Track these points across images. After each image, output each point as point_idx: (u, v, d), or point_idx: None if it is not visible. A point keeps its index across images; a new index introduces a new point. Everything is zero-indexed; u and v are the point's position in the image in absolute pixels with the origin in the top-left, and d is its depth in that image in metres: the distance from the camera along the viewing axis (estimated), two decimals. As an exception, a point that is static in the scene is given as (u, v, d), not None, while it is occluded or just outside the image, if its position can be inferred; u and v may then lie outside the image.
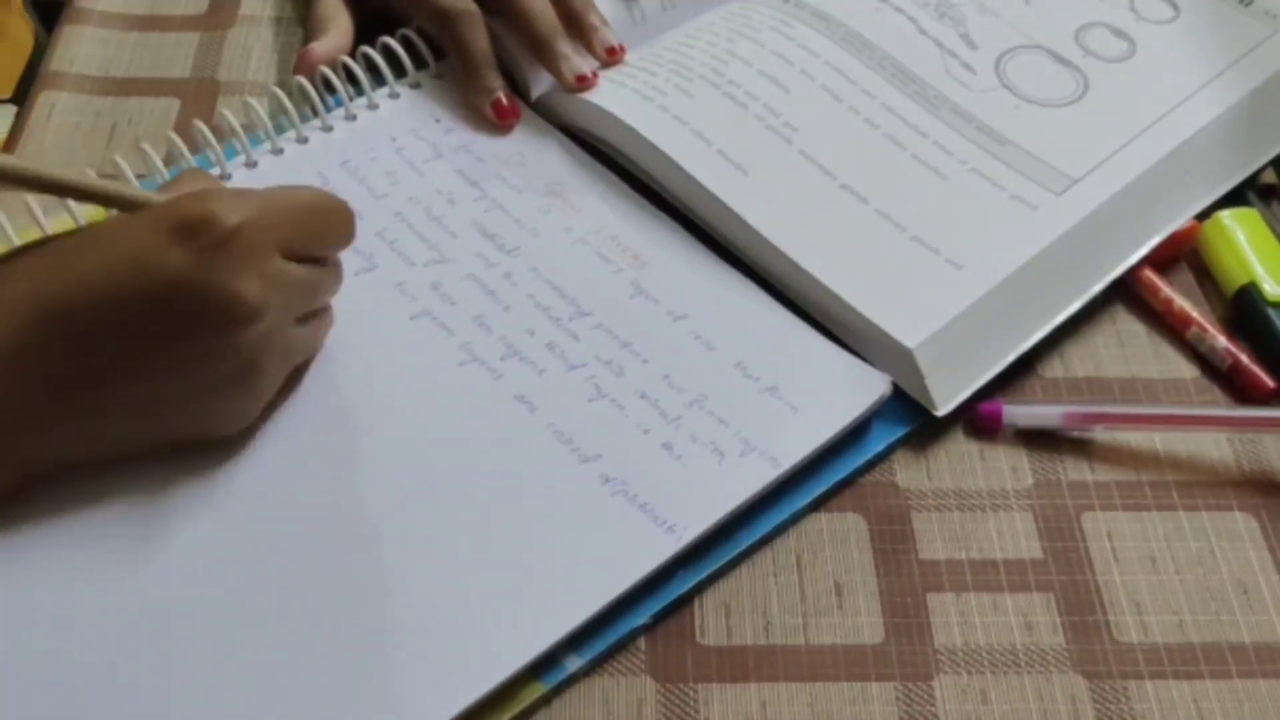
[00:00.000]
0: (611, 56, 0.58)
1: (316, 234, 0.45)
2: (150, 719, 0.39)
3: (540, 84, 0.59)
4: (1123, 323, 0.53)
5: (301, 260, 0.43)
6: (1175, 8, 0.61)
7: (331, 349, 0.48)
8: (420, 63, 0.60)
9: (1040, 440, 0.49)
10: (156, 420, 0.43)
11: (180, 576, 0.42)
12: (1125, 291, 0.54)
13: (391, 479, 0.45)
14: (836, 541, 0.46)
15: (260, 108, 0.55)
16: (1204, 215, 0.55)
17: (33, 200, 0.50)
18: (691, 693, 0.42)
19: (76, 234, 0.41)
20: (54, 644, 0.40)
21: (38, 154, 0.57)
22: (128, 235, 0.40)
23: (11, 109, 0.74)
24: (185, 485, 0.44)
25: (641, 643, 0.43)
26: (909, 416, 0.48)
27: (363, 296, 0.50)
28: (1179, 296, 0.53)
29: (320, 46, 0.58)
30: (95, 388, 0.41)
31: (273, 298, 0.41)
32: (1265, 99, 0.57)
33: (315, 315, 0.47)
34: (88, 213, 0.51)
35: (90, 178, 0.42)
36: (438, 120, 0.58)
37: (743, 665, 0.42)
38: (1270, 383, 0.50)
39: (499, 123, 0.57)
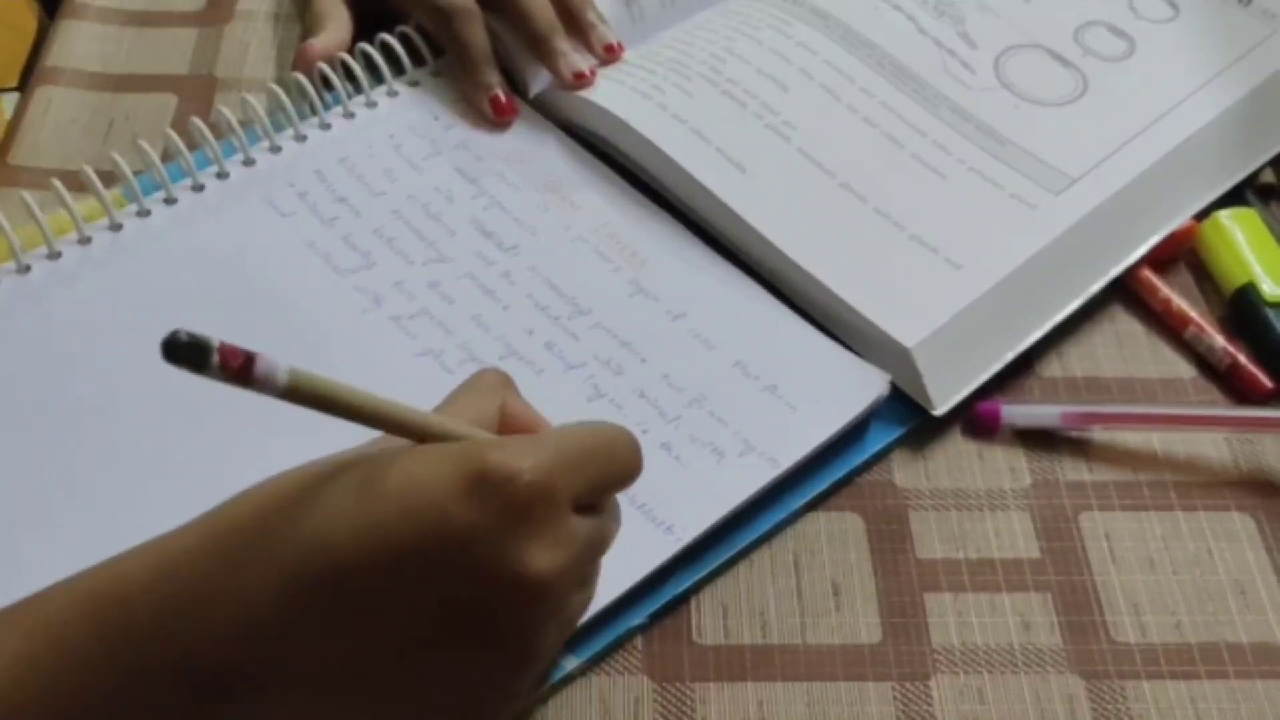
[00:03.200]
0: (610, 54, 0.58)
1: (605, 473, 0.37)
2: None
3: (539, 81, 0.59)
4: (1121, 322, 0.53)
5: (588, 509, 0.36)
6: (1174, 7, 0.61)
7: (328, 348, 0.48)
8: (419, 60, 0.59)
9: (1038, 440, 0.49)
10: (418, 712, 0.35)
11: None
12: (1124, 291, 0.54)
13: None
14: (834, 541, 0.46)
15: (258, 104, 0.55)
16: (1203, 215, 0.55)
17: (29, 197, 0.50)
18: (689, 692, 0.42)
19: (352, 470, 0.33)
20: None
21: (34, 150, 0.57)
22: (412, 477, 0.33)
23: (15, 98, 0.73)
24: None
25: (639, 642, 0.43)
26: (907, 416, 0.48)
27: (360, 296, 0.50)
28: (1177, 296, 0.53)
29: (319, 42, 0.58)
30: (356, 665, 0.33)
31: (562, 565, 0.34)
32: (1264, 98, 0.57)
33: (592, 576, 0.40)
34: (85, 211, 0.51)
35: (397, 406, 0.34)
36: (436, 117, 0.58)
37: (740, 665, 0.42)
38: (1268, 383, 0.50)
39: (497, 120, 0.57)
